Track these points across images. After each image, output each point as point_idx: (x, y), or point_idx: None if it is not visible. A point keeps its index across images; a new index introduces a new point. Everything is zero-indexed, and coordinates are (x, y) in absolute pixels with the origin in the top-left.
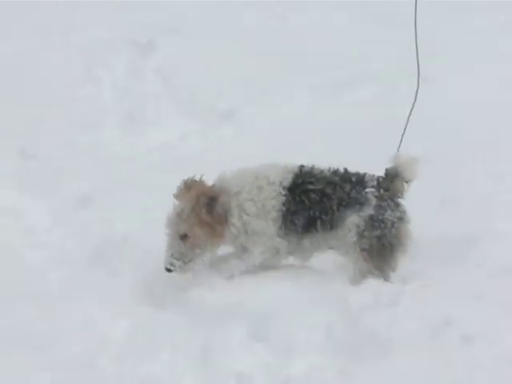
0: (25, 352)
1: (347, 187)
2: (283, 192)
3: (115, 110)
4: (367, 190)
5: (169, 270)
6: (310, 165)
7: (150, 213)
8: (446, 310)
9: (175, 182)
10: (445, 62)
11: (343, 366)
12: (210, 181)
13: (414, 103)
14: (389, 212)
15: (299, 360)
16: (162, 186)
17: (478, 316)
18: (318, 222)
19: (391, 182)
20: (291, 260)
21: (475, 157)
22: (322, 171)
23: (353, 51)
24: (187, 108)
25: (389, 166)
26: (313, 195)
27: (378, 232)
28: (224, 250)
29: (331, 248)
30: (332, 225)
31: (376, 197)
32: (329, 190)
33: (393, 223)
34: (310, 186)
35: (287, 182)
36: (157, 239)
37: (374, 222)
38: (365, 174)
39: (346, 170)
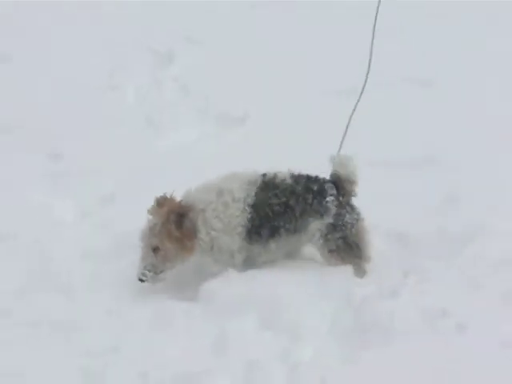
0: (54, 339)
1: (309, 198)
2: (248, 210)
3: (136, 114)
4: (327, 199)
5: (141, 280)
6: (272, 173)
7: None
8: (442, 301)
9: (190, 181)
10: (445, 67)
11: (348, 351)
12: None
13: (355, 107)
14: (347, 216)
15: (307, 346)
16: (179, 183)
17: (472, 307)
18: (282, 230)
19: (342, 187)
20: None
21: (476, 158)
22: (283, 180)
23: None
24: (202, 113)
25: (331, 170)
26: (276, 208)
27: (340, 234)
28: None
29: (296, 249)
30: (296, 230)
31: (336, 206)
32: (292, 202)
33: (352, 225)
34: (274, 200)
35: (251, 199)
36: None
37: (335, 226)
38: (325, 183)
39: (307, 176)
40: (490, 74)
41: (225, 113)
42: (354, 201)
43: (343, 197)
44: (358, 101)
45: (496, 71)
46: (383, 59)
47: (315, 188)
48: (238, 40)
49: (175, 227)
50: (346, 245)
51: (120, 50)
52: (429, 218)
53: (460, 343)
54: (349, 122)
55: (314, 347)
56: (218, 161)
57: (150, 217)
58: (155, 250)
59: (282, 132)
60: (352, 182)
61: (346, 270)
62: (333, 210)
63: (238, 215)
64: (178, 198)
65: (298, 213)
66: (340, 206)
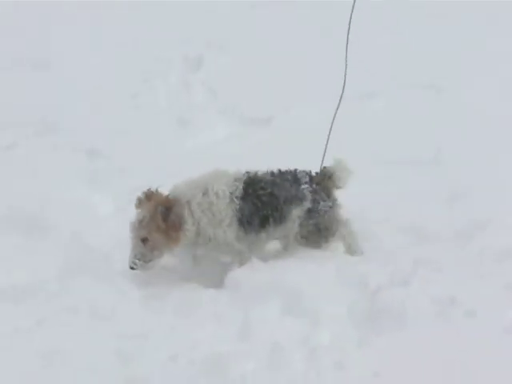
0: (92, 322)
1: (287, 185)
2: (236, 201)
3: (168, 116)
4: (302, 186)
5: (132, 268)
6: (253, 171)
7: None
8: (451, 289)
9: None
10: (445, 67)
11: (363, 336)
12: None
13: (336, 111)
14: (322, 203)
15: (325, 331)
16: None
17: (479, 295)
18: (271, 219)
19: (322, 180)
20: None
21: (479, 157)
22: (265, 174)
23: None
24: (229, 114)
25: (328, 166)
26: (264, 198)
27: (313, 221)
28: None
29: (277, 238)
30: (281, 218)
31: (310, 192)
32: (276, 192)
33: (325, 212)
34: (261, 192)
35: (239, 193)
36: None
37: (311, 213)
38: (296, 171)
39: (279, 170)
40: (490, 74)
41: (250, 113)
42: (372, 197)
43: (318, 185)
44: (338, 107)
45: (496, 71)
46: (387, 63)
47: (290, 177)
48: (261, 45)
49: (162, 219)
50: (317, 230)
51: (153, 55)
52: (437, 212)
53: (468, 329)
54: (331, 128)
55: (331, 332)
56: (243, 160)
57: (139, 210)
58: (144, 240)
59: (303, 133)
60: (336, 187)
61: (362, 260)
62: (309, 196)
63: (225, 208)
64: (165, 192)
65: (281, 200)
66: (315, 192)
